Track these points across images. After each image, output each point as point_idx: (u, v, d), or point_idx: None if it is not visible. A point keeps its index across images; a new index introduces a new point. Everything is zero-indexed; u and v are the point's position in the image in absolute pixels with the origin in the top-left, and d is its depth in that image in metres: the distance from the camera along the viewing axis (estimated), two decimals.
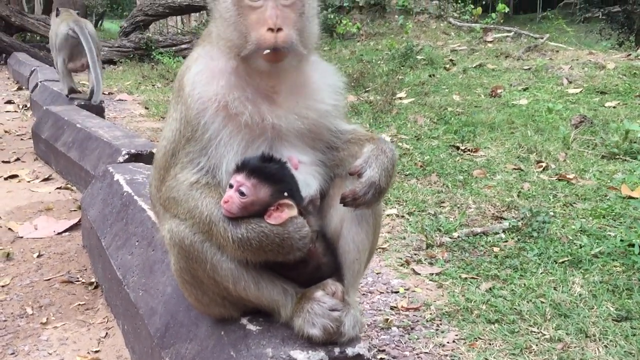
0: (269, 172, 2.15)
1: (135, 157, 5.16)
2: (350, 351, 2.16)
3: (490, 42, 14.07)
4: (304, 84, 2.37)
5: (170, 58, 14.61)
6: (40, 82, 10.17)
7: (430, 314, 3.59)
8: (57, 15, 8.32)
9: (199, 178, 2.24)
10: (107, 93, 11.80)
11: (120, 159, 5.14)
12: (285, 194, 2.14)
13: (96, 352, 3.28)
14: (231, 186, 2.16)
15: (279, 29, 2.14)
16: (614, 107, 8.53)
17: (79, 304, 3.77)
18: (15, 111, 10.27)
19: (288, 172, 2.21)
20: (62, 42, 8.03)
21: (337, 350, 2.15)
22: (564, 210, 5.05)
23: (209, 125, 2.24)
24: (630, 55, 11.65)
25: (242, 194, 2.12)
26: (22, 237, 4.78)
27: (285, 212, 2.13)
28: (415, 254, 4.40)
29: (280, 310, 2.25)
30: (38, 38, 18.58)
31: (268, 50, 2.14)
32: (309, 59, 2.36)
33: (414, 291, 3.89)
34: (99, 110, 8.01)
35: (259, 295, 2.23)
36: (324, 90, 2.42)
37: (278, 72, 2.26)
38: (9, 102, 11.00)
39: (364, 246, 2.40)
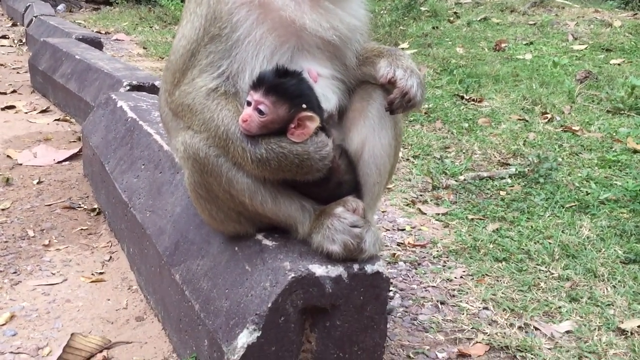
0: (287, 87, 2.04)
1: (137, 89, 5.01)
2: (369, 268, 2.11)
3: None
4: None
5: (168, 0, 14.23)
6: (36, 16, 9.90)
7: (437, 251, 3.57)
8: None
9: (218, 85, 2.14)
10: (104, 32, 11.54)
11: (122, 89, 4.98)
12: (304, 105, 2.04)
13: (100, 273, 3.24)
14: (249, 103, 2.06)
15: None
16: (619, 65, 8.41)
17: (82, 229, 3.72)
18: (10, 45, 10.03)
19: (306, 85, 2.11)
20: None
21: (356, 267, 2.10)
22: (570, 159, 5.00)
23: (242, 23, 2.13)
24: (637, 14, 11.47)
25: (260, 112, 2.03)
26: (21, 164, 4.70)
27: (307, 127, 2.04)
28: (421, 195, 4.36)
29: (298, 227, 2.19)
30: None
31: None
32: None
33: (420, 229, 3.86)
34: (97, 45, 7.83)
35: (276, 211, 2.17)
36: (357, 4, 2.37)
37: None
38: (4, 37, 10.72)
39: (385, 169, 2.36)
